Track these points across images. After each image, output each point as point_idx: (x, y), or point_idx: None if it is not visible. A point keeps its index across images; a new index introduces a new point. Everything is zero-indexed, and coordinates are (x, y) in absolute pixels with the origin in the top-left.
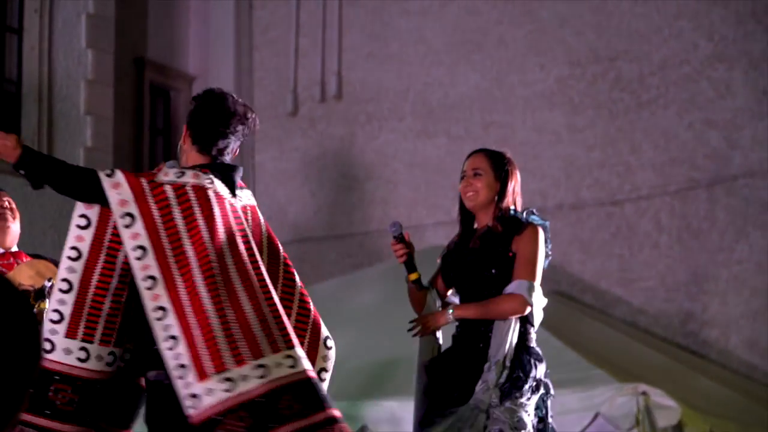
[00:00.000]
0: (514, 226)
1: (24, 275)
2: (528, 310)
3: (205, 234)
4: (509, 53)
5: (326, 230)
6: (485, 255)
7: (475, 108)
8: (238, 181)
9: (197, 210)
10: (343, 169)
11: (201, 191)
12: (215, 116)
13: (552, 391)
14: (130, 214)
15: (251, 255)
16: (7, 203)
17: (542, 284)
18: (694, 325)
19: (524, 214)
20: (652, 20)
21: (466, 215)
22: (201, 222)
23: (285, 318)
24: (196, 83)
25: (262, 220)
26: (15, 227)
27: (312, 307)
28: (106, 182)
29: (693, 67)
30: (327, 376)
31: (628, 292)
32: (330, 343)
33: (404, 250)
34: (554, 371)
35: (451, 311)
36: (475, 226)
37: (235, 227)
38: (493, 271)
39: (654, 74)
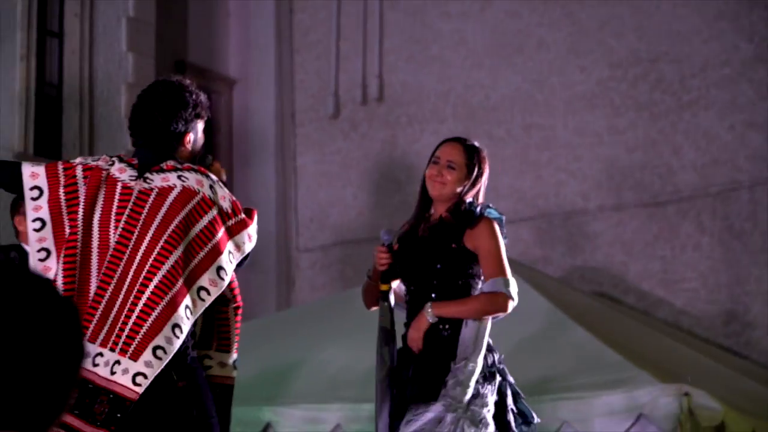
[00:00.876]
0: (466, 219)
1: None
2: (511, 305)
3: (80, 213)
4: (550, 55)
5: (368, 233)
6: (433, 247)
7: (516, 110)
8: (167, 164)
9: (82, 190)
10: (385, 171)
11: (96, 173)
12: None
13: (509, 378)
14: (38, 188)
15: (123, 238)
16: None
17: (584, 285)
18: (736, 326)
19: (478, 208)
20: (692, 22)
21: (425, 200)
22: (81, 201)
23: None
24: (237, 86)
25: (169, 201)
26: None
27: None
28: (25, 166)
29: (734, 69)
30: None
31: (670, 293)
32: (159, 353)
33: (388, 261)
34: (597, 372)
35: (429, 311)
36: (432, 212)
37: (114, 210)
38: (438, 266)
39: (695, 76)
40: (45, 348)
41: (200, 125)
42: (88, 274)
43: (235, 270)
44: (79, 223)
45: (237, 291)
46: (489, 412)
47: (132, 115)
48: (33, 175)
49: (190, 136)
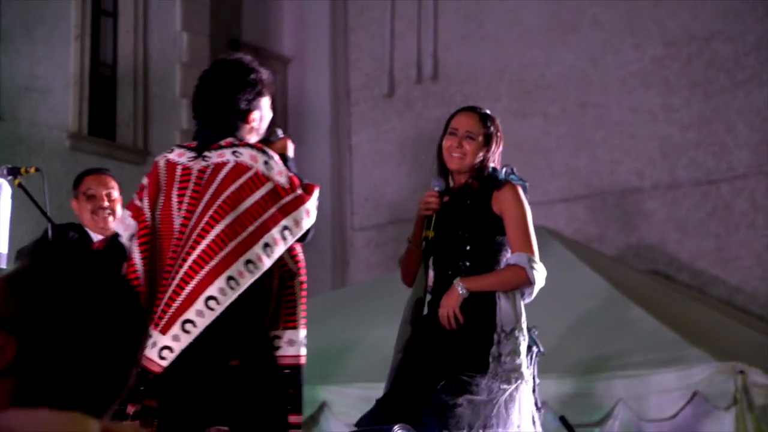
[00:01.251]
0: (492, 183)
1: None
2: (531, 288)
3: (145, 202)
4: (604, 34)
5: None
6: (463, 213)
7: (571, 88)
8: (225, 141)
9: (145, 182)
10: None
11: (155, 163)
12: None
13: (540, 347)
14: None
15: (186, 219)
16: (108, 194)
17: (638, 263)
18: None
19: (503, 171)
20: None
21: (444, 172)
22: (146, 192)
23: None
24: (292, 65)
25: (221, 176)
26: (116, 220)
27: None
28: None
29: None
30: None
31: (724, 271)
32: (188, 327)
33: (437, 206)
34: (652, 351)
35: (460, 285)
36: (451, 184)
37: (175, 193)
38: (471, 231)
39: (749, 54)
40: (106, 329)
41: (265, 102)
42: (159, 261)
43: (298, 243)
44: (146, 212)
45: (301, 264)
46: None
47: (195, 94)
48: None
49: (255, 114)
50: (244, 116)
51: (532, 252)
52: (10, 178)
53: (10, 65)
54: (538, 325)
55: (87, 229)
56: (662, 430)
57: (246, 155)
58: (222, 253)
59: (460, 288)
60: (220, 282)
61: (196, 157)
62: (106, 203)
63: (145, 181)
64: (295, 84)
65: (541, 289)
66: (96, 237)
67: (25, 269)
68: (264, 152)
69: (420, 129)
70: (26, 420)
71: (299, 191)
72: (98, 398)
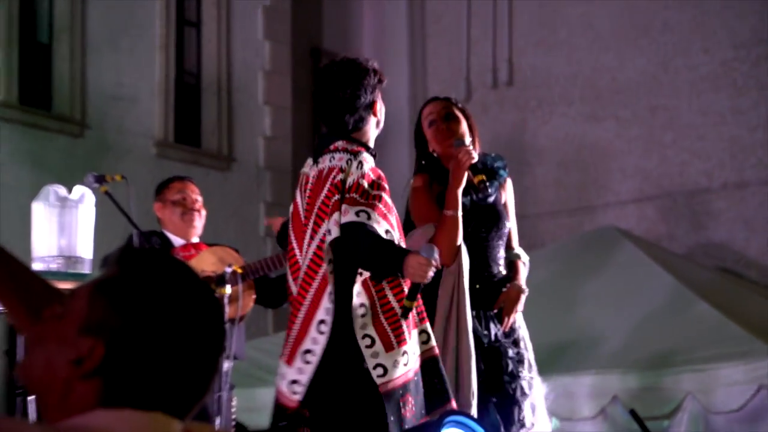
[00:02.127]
0: (495, 174)
1: (207, 262)
2: None
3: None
4: (674, 37)
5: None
6: (495, 210)
7: (642, 92)
8: (333, 145)
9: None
10: (515, 153)
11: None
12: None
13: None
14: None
15: (303, 225)
16: (197, 199)
17: (707, 261)
18: None
19: (497, 162)
20: None
21: (433, 161)
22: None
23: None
24: None
25: (313, 184)
26: (201, 223)
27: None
28: None
29: None
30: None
31: None
32: (308, 357)
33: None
34: (719, 345)
35: (524, 286)
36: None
37: (302, 206)
38: (507, 223)
39: None
40: (189, 334)
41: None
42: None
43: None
44: (290, 226)
45: None
46: None
47: (315, 103)
48: None
49: (379, 104)
50: (369, 108)
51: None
52: (96, 185)
53: (97, 75)
54: (610, 321)
55: (169, 235)
56: (730, 421)
57: (337, 158)
58: (321, 270)
59: (523, 290)
60: (325, 302)
61: (313, 165)
62: (196, 205)
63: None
64: None
65: (613, 286)
66: (178, 242)
67: (112, 275)
68: (351, 152)
69: (496, 133)
70: (111, 420)
71: (352, 195)
72: (180, 400)
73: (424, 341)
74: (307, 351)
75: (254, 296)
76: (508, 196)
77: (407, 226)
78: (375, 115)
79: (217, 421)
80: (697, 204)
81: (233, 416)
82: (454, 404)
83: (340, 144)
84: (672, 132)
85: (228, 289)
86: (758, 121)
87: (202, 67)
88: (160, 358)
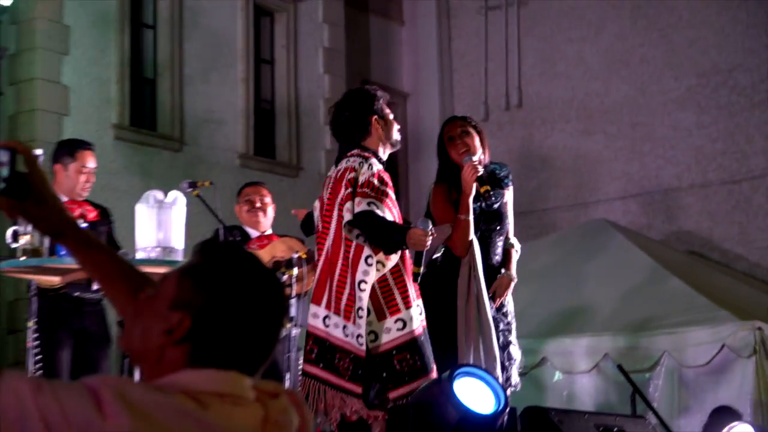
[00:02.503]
0: (501, 182)
1: (278, 249)
2: None
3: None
4: (650, 68)
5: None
6: (500, 213)
7: (625, 112)
8: (350, 152)
9: None
10: (524, 161)
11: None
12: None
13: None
14: None
15: (325, 222)
16: (261, 199)
17: (679, 245)
18: None
19: (503, 172)
20: (761, 39)
21: (452, 171)
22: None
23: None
24: (410, 99)
25: (333, 183)
26: (267, 218)
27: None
28: None
29: None
30: (363, 341)
31: (746, 250)
32: (360, 313)
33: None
34: (689, 312)
35: (513, 275)
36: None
37: (324, 201)
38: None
39: (764, 81)
40: (257, 308)
41: (381, 111)
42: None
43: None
44: (315, 216)
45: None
46: None
47: (331, 123)
48: None
49: (375, 118)
50: (365, 129)
51: None
52: (189, 190)
53: (192, 103)
54: (602, 294)
55: (247, 229)
56: (698, 374)
57: (351, 161)
58: (349, 245)
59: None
60: (362, 265)
61: (334, 168)
62: (258, 204)
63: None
64: (412, 113)
65: (603, 266)
66: (254, 234)
67: (196, 262)
68: (363, 157)
69: (508, 146)
70: (196, 377)
71: (365, 189)
72: (251, 361)
73: (420, 313)
74: (360, 308)
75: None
76: (508, 197)
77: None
78: (380, 129)
79: (287, 376)
80: (670, 200)
81: (299, 373)
82: (434, 375)
83: (354, 151)
84: (649, 143)
85: (295, 271)
86: (718, 134)
87: (275, 95)
88: (235, 328)
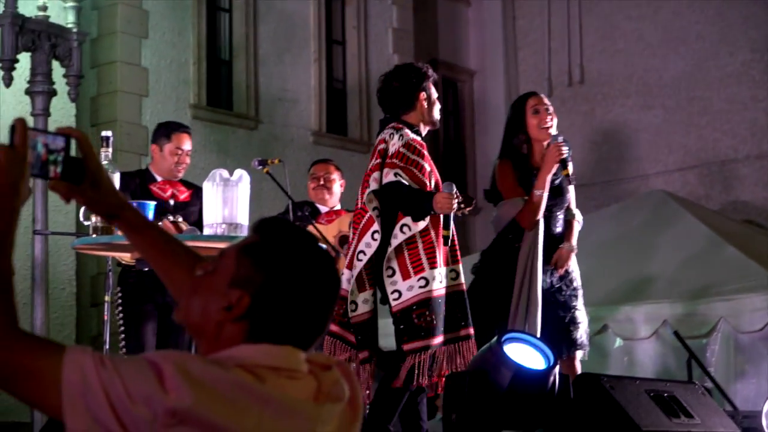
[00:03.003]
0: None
1: (345, 224)
2: None
3: None
4: (706, 44)
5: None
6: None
7: (682, 86)
8: (389, 125)
9: None
10: (586, 135)
11: None
12: None
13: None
14: None
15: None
16: (326, 176)
17: (735, 215)
18: None
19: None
20: None
21: (514, 149)
22: None
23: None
24: (476, 76)
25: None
26: (332, 194)
27: None
28: None
29: None
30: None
31: None
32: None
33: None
34: (744, 280)
35: (574, 245)
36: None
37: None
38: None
39: None
40: (312, 286)
41: (427, 88)
42: None
43: None
44: None
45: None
46: None
47: (378, 96)
48: None
49: (423, 95)
50: (410, 104)
51: None
52: (260, 167)
53: (267, 83)
54: (661, 262)
55: (317, 204)
56: (754, 340)
57: (385, 134)
58: (365, 216)
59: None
60: (367, 238)
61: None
62: (322, 182)
63: None
64: (479, 90)
65: (662, 235)
66: (324, 209)
67: (254, 241)
68: (395, 128)
69: (571, 120)
70: (253, 352)
71: (393, 160)
72: (305, 335)
73: (454, 278)
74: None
75: None
76: (569, 169)
77: (493, 195)
78: (424, 107)
79: None
80: (726, 171)
81: None
82: (471, 331)
83: (393, 124)
84: (706, 116)
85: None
86: None
87: (347, 75)
88: (291, 305)
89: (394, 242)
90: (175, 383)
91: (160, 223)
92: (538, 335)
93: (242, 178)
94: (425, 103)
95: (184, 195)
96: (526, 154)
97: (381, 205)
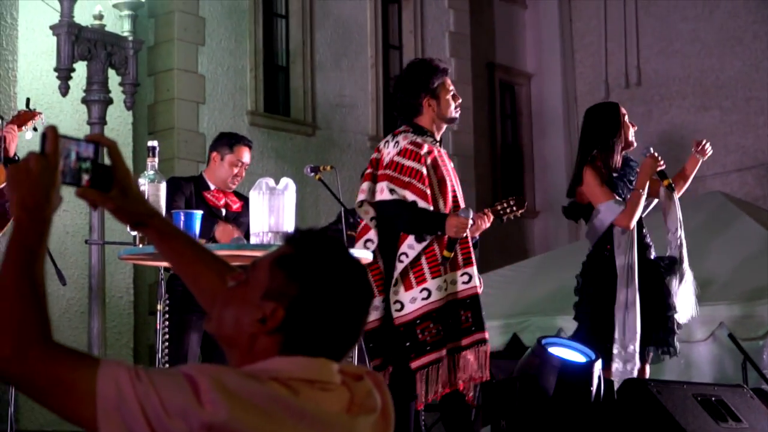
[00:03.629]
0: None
1: None
2: None
3: None
4: (762, 44)
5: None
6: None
7: (739, 87)
8: (397, 130)
9: None
10: (644, 138)
11: None
12: None
13: None
14: None
15: None
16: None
17: None
18: None
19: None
20: None
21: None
22: None
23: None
24: (534, 79)
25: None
26: None
27: None
28: None
29: None
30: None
31: None
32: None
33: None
34: None
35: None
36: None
37: None
38: None
39: None
40: (346, 299)
41: (440, 85)
42: None
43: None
44: None
45: None
46: None
47: (393, 95)
48: None
49: (427, 99)
50: (416, 111)
51: None
52: (312, 174)
53: (324, 88)
54: (717, 264)
55: None
56: None
57: (386, 139)
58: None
59: None
60: (359, 245)
61: None
62: None
63: None
64: (536, 93)
65: (719, 237)
66: None
67: (288, 252)
68: (394, 134)
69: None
70: (287, 364)
71: (386, 171)
72: (338, 347)
73: (465, 282)
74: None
75: None
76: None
77: (574, 211)
78: (432, 109)
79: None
80: None
81: None
82: (486, 335)
83: (400, 128)
84: (764, 116)
85: None
86: None
87: None
88: (326, 317)
89: (400, 266)
90: (211, 397)
91: (217, 226)
92: (636, 341)
93: (288, 186)
94: (432, 105)
95: (236, 205)
96: (608, 161)
97: (380, 219)
